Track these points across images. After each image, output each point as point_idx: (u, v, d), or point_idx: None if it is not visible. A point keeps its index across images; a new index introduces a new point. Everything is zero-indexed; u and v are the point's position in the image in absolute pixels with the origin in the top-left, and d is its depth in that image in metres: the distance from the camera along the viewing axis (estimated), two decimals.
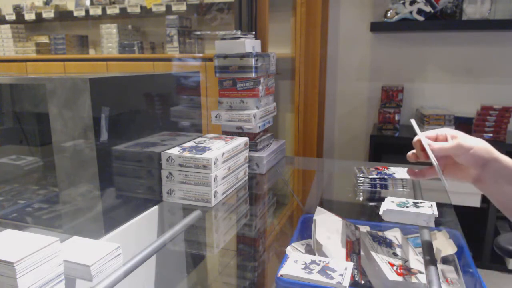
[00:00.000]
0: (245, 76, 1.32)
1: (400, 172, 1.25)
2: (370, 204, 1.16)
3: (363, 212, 1.16)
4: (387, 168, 1.28)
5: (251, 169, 1.35)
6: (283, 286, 0.68)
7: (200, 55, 2.94)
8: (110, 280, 0.66)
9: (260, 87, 1.34)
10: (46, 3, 3.45)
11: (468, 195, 2.22)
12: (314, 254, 0.80)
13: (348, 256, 0.78)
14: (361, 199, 1.18)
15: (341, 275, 0.68)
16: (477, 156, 0.69)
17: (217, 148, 1.11)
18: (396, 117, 2.48)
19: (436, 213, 0.92)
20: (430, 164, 0.74)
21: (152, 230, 1.07)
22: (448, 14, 2.38)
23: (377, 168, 1.29)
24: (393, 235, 0.87)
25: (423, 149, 0.74)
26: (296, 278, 0.68)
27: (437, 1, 2.27)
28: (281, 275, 0.69)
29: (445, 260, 0.85)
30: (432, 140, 0.75)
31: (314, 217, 0.86)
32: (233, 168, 1.17)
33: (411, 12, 2.32)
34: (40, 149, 1.19)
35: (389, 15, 2.39)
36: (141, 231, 1.01)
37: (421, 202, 1.00)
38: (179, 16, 2.87)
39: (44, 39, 3.35)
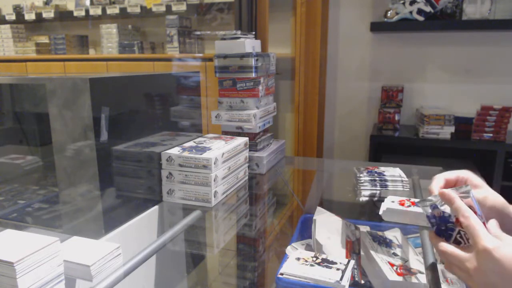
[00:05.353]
0: (245, 76, 1.32)
1: (390, 170, 1.26)
2: (370, 204, 1.16)
3: (363, 212, 1.16)
4: (377, 168, 1.29)
5: (251, 169, 1.35)
6: (283, 285, 0.68)
7: (200, 55, 2.94)
8: (110, 280, 0.66)
9: (260, 87, 1.34)
10: (46, 3, 3.45)
11: None
12: None
13: (348, 256, 0.78)
14: (361, 199, 1.18)
15: (341, 274, 0.68)
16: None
17: (217, 148, 1.11)
18: (396, 117, 2.48)
19: None
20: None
21: (152, 230, 1.07)
22: (448, 14, 2.38)
23: (367, 168, 1.29)
24: (393, 235, 0.87)
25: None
26: (296, 277, 0.68)
27: (437, 1, 2.27)
28: (281, 274, 0.69)
29: None
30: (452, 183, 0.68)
31: (314, 217, 0.86)
32: (233, 168, 1.17)
33: (411, 12, 2.32)
34: (40, 149, 1.19)
35: (389, 15, 2.39)
36: (141, 231, 1.01)
37: None
38: (179, 16, 2.87)
39: (44, 39, 3.35)
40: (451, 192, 0.61)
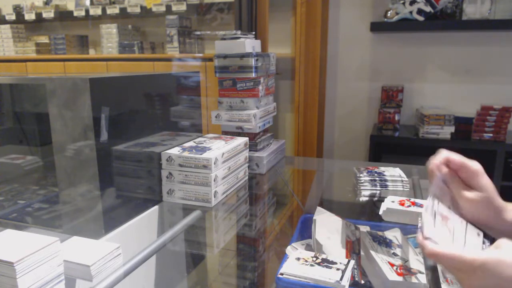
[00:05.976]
0: (245, 76, 1.32)
1: (390, 170, 1.26)
2: (370, 204, 1.16)
3: (363, 212, 1.16)
4: (377, 168, 1.29)
5: (251, 169, 1.35)
6: (283, 285, 0.68)
7: (200, 55, 2.94)
8: (110, 280, 0.66)
9: (260, 87, 1.34)
10: (46, 3, 3.45)
11: None
12: None
13: (348, 256, 0.78)
14: (361, 199, 1.18)
15: (341, 274, 0.68)
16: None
17: (217, 148, 1.11)
18: (396, 117, 2.48)
19: None
20: None
21: (152, 230, 1.07)
22: (448, 14, 2.38)
23: (367, 168, 1.29)
24: (393, 235, 0.87)
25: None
26: (296, 277, 0.68)
27: (437, 1, 2.27)
28: (281, 274, 0.69)
29: None
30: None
31: (314, 217, 0.86)
32: (233, 168, 1.17)
33: (411, 12, 2.32)
34: (40, 149, 1.19)
35: (389, 15, 2.39)
36: (141, 231, 1.01)
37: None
38: (179, 16, 2.87)
39: (44, 39, 3.35)
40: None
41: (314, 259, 0.73)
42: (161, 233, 0.90)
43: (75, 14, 3.19)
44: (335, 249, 0.79)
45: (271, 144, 1.51)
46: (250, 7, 2.12)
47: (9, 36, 3.38)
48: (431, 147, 2.52)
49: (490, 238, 0.61)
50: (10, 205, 1.08)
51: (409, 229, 0.92)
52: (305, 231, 0.91)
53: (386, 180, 1.20)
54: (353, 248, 0.79)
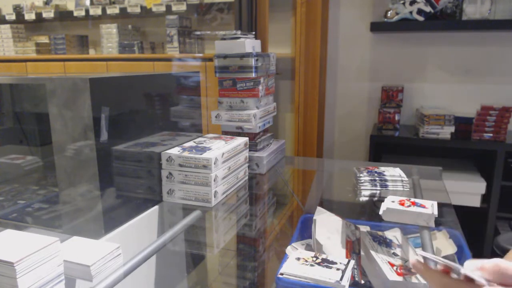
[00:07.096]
0: (245, 76, 1.32)
1: (390, 170, 1.26)
2: (370, 204, 1.16)
3: (363, 212, 1.16)
4: (377, 168, 1.29)
5: (251, 169, 1.35)
6: (283, 285, 0.68)
7: (200, 55, 2.94)
8: (110, 280, 0.66)
9: (260, 87, 1.34)
10: (46, 3, 3.45)
11: (468, 195, 2.22)
12: None
13: (348, 256, 0.78)
14: (361, 199, 1.18)
15: (341, 274, 0.68)
16: None
17: (217, 148, 1.11)
18: (396, 117, 2.48)
19: (436, 213, 0.92)
20: None
21: (152, 230, 1.07)
22: (448, 14, 2.38)
23: (367, 168, 1.30)
24: (393, 235, 0.87)
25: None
26: (296, 277, 0.68)
27: (437, 1, 2.27)
28: (281, 274, 0.69)
29: None
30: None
31: (314, 217, 0.86)
32: (233, 168, 1.17)
33: (411, 12, 2.32)
34: (40, 149, 1.19)
35: (389, 15, 2.39)
36: (141, 231, 1.01)
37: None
38: (179, 16, 2.87)
39: (44, 39, 3.35)
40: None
41: (314, 259, 0.73)
42: (161, 233, 0.90)
43: (75, 14, 3.19)
44: (335, 249, 0.79)
45: (271, 144, 1.51)
46: (250, 7, 2.12)
47: (9, 36, 3.38)
48: (431, 147, 2.53)
49: None
50: (10, 205, 1.07)
51: (409, 229, 0.92)
52: (305, 231, 0.91)
53: (386, 180, 1.20)
54: (353, 248, 0.79)
